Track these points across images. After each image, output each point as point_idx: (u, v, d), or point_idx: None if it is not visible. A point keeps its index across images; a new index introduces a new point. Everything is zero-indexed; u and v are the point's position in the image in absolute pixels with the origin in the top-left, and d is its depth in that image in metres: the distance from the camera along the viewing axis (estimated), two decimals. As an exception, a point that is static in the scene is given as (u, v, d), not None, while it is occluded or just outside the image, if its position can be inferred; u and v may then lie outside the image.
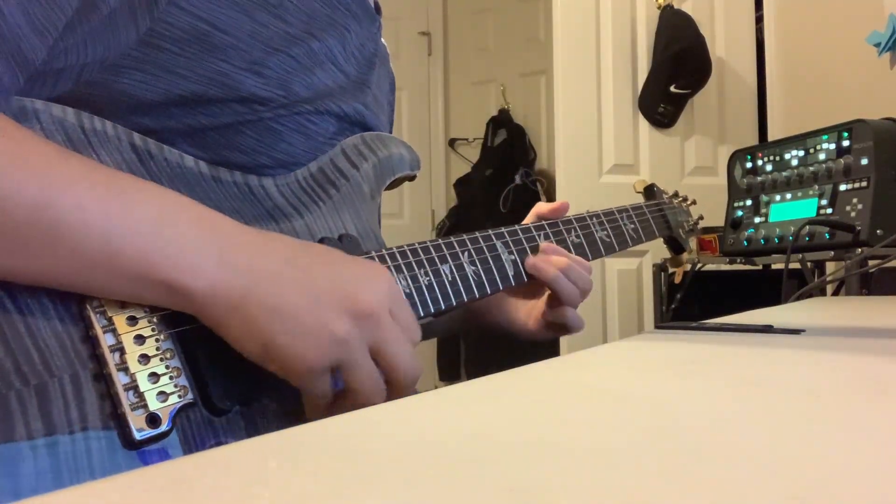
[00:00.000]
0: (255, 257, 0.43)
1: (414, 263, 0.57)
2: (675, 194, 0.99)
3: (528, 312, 0.74)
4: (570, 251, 0.72)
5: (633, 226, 0.82)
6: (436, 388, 0.37)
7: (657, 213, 0.89)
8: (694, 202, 1.02)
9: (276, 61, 0.50)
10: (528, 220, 0.74)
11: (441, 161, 3.71)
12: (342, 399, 0.45)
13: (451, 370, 3.38)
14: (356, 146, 0.60)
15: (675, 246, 0.95)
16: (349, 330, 0.43)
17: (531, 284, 0.68)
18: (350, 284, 0.44)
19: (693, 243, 0.97)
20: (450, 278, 0.59)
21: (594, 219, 0.77)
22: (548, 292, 0.70)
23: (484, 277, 0.63)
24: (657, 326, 0.61)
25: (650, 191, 0.95)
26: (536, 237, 0.70)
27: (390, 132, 0.69)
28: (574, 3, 2.49)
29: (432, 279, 0.58)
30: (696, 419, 0.26)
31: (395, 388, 0.46)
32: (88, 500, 0.19)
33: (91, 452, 0.38)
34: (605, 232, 0.77)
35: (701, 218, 1.02)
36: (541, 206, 0.75)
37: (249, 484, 0.20)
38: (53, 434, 0.37)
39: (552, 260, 0.67)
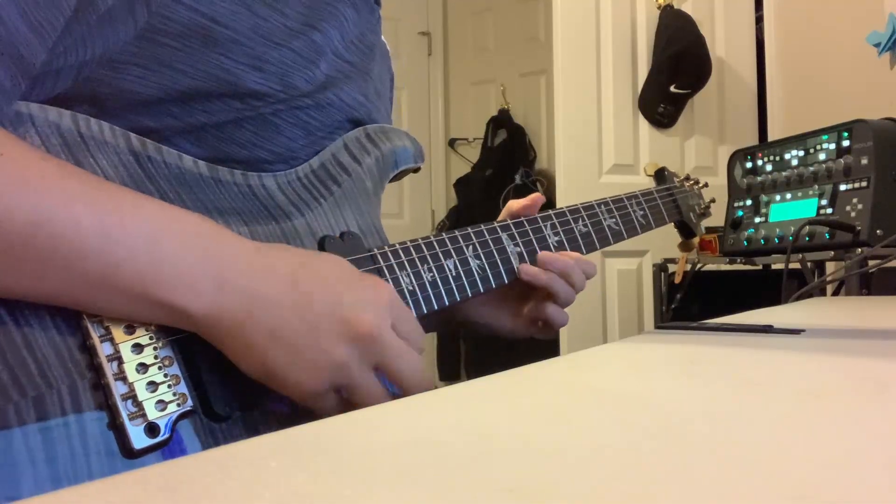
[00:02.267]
0: (255, 280, 0.42)
1: (417, 260, 0.56)
2: (687, 177, 0.97)
3: (511, 310, 0.71)
4: (577, 240, 0.71)
5: (642, 212, 0.80)
6: (436, 388, 0.37)
7: (667, 198, 0.87)
8: (706, 185, 1.00)
9: (276, 56, 0.50)
10: (502, 217, 0.71)
11: (441, 161, 3.71)
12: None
13: (451, 370, 3.38)
14: (358, 139, 0.59)
15: (686, 230, 0.94)
16: (347, 354, 0.43)
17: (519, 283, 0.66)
18: (350, 308, 0.44)
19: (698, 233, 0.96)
20: (454, 273, 0.59)
21: (602, 206, 0.75)
22: (538, 292, 0.68)
23: (489, 271, 0.62)
24: (657, 326, 0.61)
25: (661, 174, 0.93)
26: (543, 227, 0.68)
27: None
28: (574, 3, 2.49)
29: (436, 275, 0.57)
30: (696, 419, 0.26)
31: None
32: (88, 500, 0.19)
33: (91, 461, 0.37)
34: (614, 219, 0.76)
35: (713, 201, 1.00)
36: (512, 204, 0.72)
37: (249, 484, 0.20)
38: (52, 445, 0.36)
39: (553, 262, 0.65)
